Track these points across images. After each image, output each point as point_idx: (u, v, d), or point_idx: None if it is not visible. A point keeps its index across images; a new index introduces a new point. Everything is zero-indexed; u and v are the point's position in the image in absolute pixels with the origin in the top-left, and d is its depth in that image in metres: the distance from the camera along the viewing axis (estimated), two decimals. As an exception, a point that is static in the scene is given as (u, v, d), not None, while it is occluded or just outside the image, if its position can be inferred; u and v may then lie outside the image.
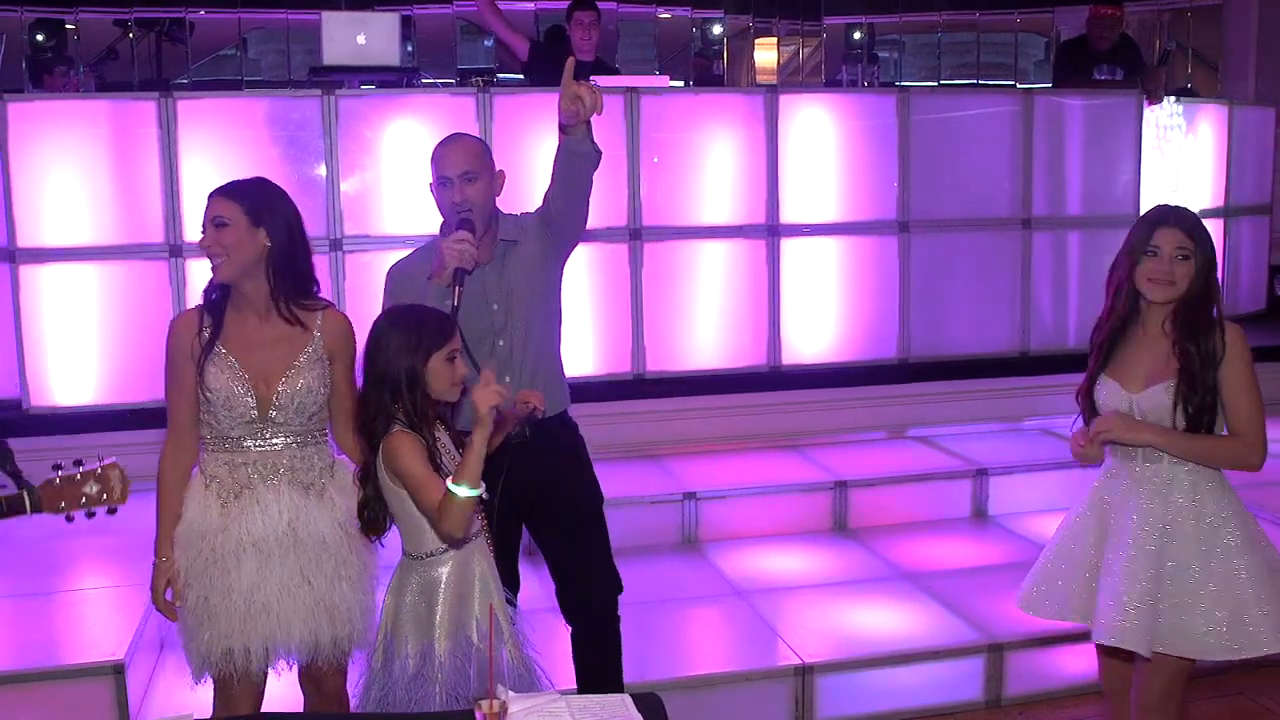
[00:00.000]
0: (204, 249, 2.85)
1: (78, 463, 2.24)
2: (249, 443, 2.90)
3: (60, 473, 2.22)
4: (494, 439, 2.71)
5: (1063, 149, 6.37)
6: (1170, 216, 2.95)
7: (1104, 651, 3.11)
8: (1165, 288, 2.91)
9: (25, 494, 2.21)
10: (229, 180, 2.93)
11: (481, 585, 2.74)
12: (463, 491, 2.50)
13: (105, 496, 2.23)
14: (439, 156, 3.18)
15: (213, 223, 2.84)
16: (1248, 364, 2.90)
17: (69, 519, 2.29)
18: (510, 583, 3.17)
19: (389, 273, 3.30)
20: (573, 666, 3.45)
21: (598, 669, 3.43)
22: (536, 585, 4.26)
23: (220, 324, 2.89)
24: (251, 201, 2.87)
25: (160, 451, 2.94)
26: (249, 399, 2.85)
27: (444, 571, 2.71)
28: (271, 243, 2.87)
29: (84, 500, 2.22)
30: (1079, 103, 6.41)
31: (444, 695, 2.64)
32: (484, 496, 2.58)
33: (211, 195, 2.88)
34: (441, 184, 3.15)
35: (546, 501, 3.32)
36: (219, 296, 2.93)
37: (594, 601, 3.41)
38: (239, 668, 2.88)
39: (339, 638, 2.94)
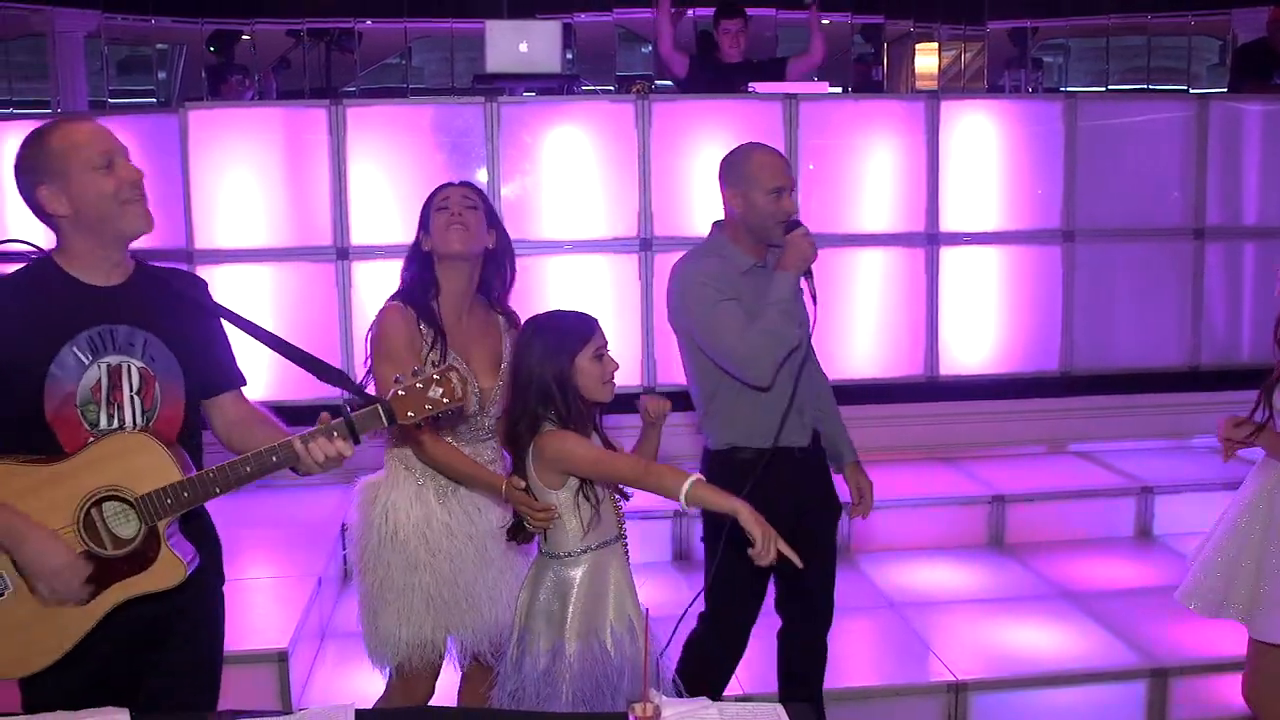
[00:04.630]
0: (452, 219, 2.97)
1: (415, 372, 2.28)
2: (459, 440, 2.97)
3: (402, 383, 2.27)
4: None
5: (1239, 156, 6.11)
6: None
7: None
8: None
9: (379, 407, 2.26)
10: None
11: (616, 591, 2.73)
12: (689, 490, 2.49)
13: (448, 399, 2.27)
14: (768, 165, 3.17)
15: (463, 200, 3.01)
16: None
17: (419, 426, 2.34)
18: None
19: (686, 274, 3.23)
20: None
21: None
22: (687, 590, 4.27)
23: (438, 322, 2.95)
24: (488, 206, 3.09)
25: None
26: (474, 396, 2.92)
27: (579, 573, 2.69)
28: (495, 247, 3.08)
29: (429, 406, 2.27)
30: (1258, 108, 6.14)
31: (570, 695, 2.63)
32: (627, 495, 2.73)
33: (453, 184, 3.09)
34: (776, 193, 3.15)
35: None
36: (420, 291, 2.98)
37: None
38: (439, 655, 3.01)
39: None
